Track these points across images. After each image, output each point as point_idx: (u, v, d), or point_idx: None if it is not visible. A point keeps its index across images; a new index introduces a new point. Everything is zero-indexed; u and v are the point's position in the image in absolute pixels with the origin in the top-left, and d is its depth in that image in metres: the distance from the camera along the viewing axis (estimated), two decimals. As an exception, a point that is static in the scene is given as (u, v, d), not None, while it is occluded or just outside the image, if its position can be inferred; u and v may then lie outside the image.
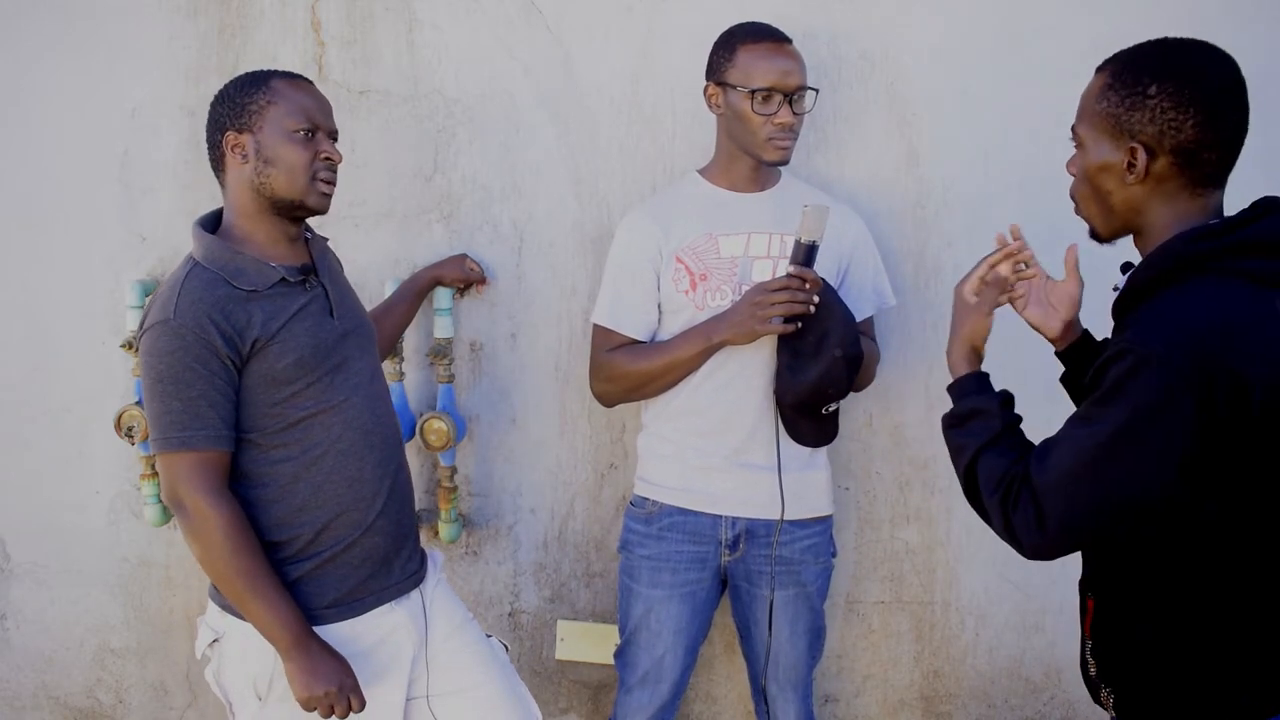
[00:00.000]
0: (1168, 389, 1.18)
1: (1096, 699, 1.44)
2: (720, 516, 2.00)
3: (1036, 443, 1.37)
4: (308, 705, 1.60)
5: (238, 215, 1.68)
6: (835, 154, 2.24)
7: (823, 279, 1.86)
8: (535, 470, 2.39)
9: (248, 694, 1.68)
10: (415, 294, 2.22)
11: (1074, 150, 1.39)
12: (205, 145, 1.70)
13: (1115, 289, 1.38)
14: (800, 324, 1.85)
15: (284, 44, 2.32)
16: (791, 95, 1.89)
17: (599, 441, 2.37)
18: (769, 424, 1.97)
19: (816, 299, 1.83)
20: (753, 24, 1.95)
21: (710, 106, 1.97)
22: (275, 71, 1.69)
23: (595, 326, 2.03)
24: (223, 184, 1.70)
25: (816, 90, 1.96)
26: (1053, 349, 1.62)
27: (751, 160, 1.96)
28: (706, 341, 1.90)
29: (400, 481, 1.80)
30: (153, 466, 2.37)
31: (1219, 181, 1.32)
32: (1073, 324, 1.62)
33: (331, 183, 1.70)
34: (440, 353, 2.30)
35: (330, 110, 1.72)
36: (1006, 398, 1.45)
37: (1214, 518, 1.26)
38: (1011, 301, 1.58)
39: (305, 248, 1.76)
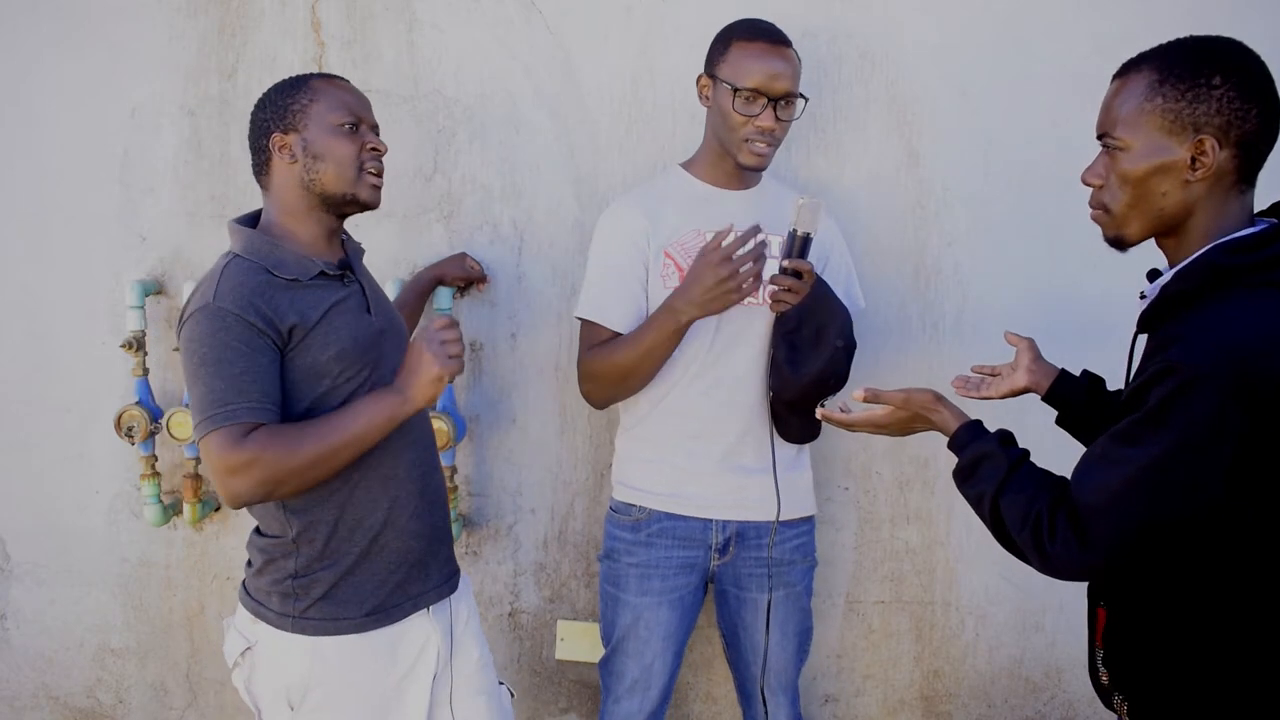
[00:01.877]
0: (1218, 407, 1.17)
1: (1109, 705, 1.43)
2: (711, 520, 1.98)
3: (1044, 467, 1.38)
4: (445, 383, 1.61)
5: (281, 214, 1.68)
6: (835, 154, 2.24)
7: (816, 272, 1.84)
8: (535, 470, 2.39)
9: (280, 703, 1.65)
10: (419, 295, 2.22)
11: (1101, 157, 1.35)
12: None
13: (1142, 296, 1.36)
14: (798, 318, 1.83)
15: (284, 44, 2.32)
16: (777, 100, 1.85)
17: (599, 441, 2.37)
18: (761, 424, 1.95)
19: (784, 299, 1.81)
20: (754, 21, 1.91)
21: (700, 98, 1.94)
22: (313, 74, 1.70)
23: (581, 322, 1.97)
24: (266, 187, 1.69)
25: (806, 99, 1.93)
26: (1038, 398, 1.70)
27: (732, 159, 1.93)
28: (676, 322, 1.83)
29: (434, 483, 1.78)
30: (153, 467, 2.37)
31: (1255, 179, 1.31)
32: (1043, 369, 1.70)
33: (380, 174, 1.70)
34: (440, 353, 2.30)
35: (370, 106, 1.73)
36: (1005, 436, 1.45)
37: (1253, 528, 1.25)
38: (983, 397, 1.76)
39: (341, 247, 1.76)
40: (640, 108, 2.26)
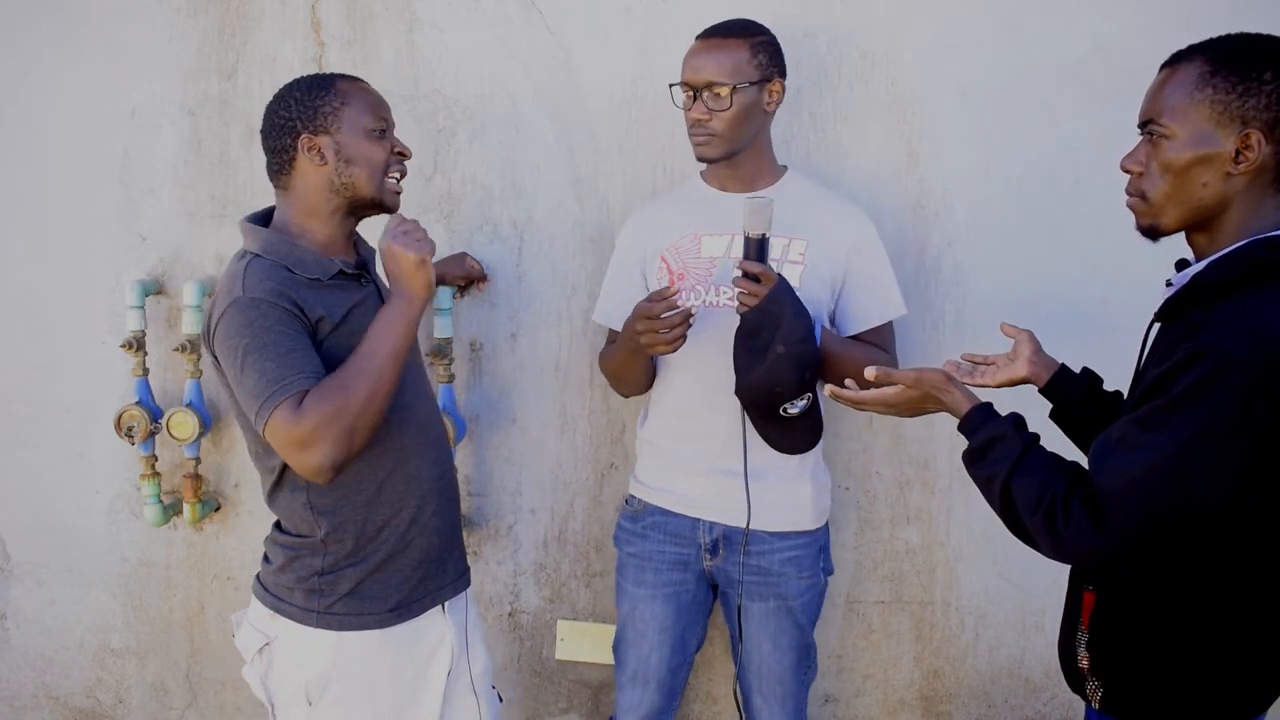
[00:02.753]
0: (1244, 395, 1.18)
1: (1079, 691, 1.43)
2: (699, 520, 2.00)
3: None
4: (429, 265, 1.59)
5: (300, 215, 1.66)
6: (835, 154, 2.24)
7: (779, 275, 1.78)
8: (535, 470, 2.39)
9: (298, 698, 1.66)
10: None
11: (1143, 145, 1.35)
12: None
13: (1169, 283, 1.36)
14: (756, 322, 1.79)
15: (284, 44, 2.32)
16: (700, 91, 1.85)
17: (599, 441, 2.37)
18: (747, 429, 1.95)
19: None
20: (714, 24, 1.92)
21: None
22: (335, 75, 1.69)
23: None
24: (285, 187, 1.67)
25: (734, 87, 1.84)
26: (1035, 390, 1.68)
27: None
28: (625, 344, 1.91)
29: (450, 480, 1.80)
30: (153, 467, 2.37)
31: None
32: (1043, 361, 1.68)
33: (403, 176, 1.72)
34: (440, 352, 2.30)
35: (390, 107, 1.73)
36: (1018, 419, 1.44)
37: (1265, 527, 1.25)
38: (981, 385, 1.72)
39: (355, 249, 1.76)
40: (640, 108, 2.26)
